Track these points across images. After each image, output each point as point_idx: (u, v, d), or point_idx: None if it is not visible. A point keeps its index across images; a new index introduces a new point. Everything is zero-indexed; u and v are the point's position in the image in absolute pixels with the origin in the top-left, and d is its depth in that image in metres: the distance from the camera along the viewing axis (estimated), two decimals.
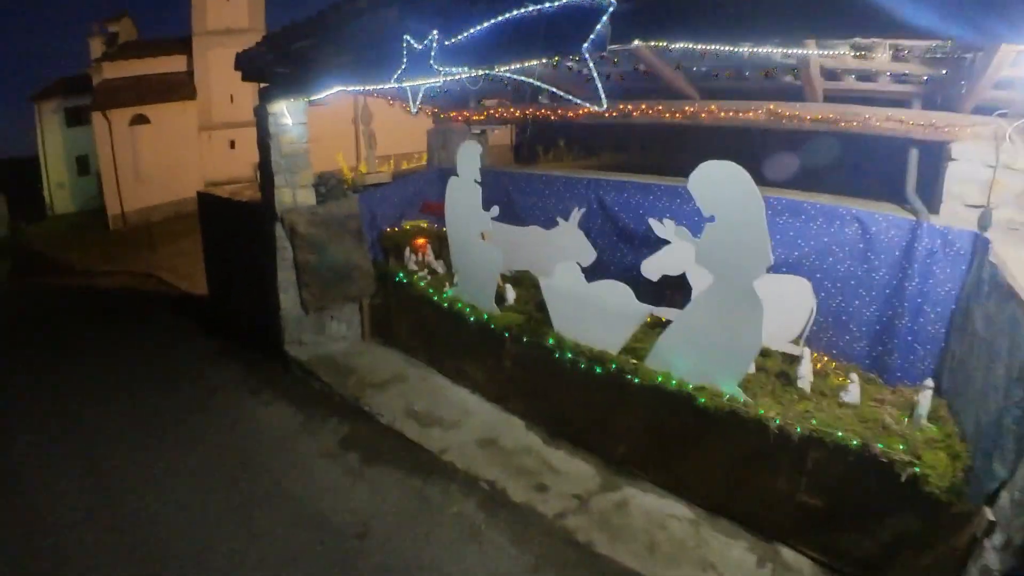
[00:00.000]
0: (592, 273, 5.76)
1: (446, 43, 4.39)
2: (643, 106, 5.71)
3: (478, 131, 7.68)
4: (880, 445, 3.86)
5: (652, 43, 3.48)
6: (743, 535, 4.48)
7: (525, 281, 6.87)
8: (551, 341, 5.52)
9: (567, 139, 8.17)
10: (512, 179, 7.22)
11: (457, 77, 4.57)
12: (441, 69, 4.48)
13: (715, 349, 4.58)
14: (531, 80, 4.03)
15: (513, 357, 5.92)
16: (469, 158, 6.16)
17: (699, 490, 4.74)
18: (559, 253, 6.44)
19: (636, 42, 3.59)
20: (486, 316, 6.15)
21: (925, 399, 4.08)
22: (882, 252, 4.65)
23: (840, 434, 4.00)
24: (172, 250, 16.76)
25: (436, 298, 6.71)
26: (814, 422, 4.14)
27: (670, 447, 4.87)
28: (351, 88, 5.79)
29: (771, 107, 4.88)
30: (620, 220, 6.28)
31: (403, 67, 4.81)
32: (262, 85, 6.81)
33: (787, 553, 4.33)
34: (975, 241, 4.23)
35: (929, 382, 4.09)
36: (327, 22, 5.26)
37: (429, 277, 7.19)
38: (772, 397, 4.53)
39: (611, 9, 3.45)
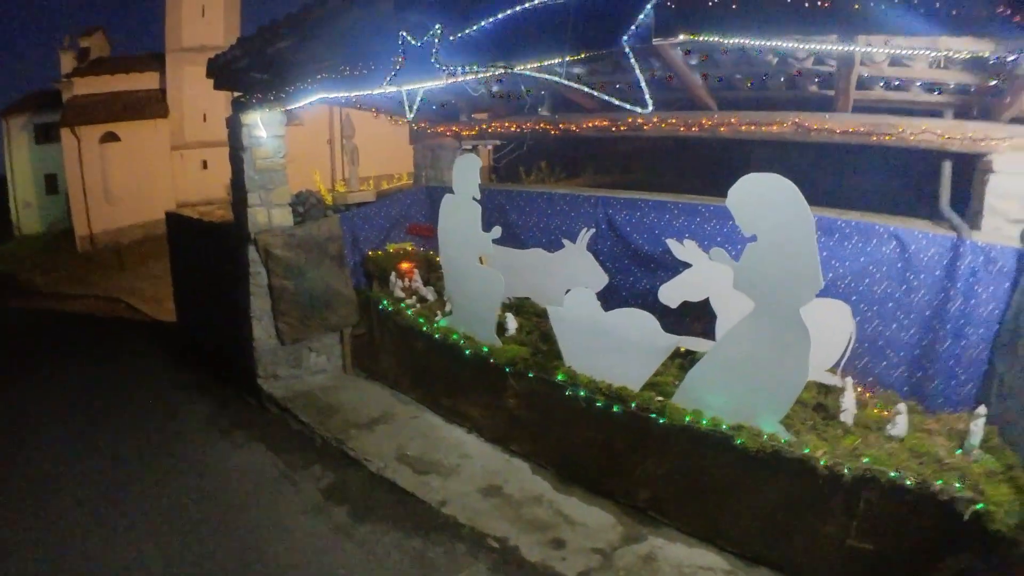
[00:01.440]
0: (602, 300, 5.52)
1: (451, 38, 4.19)
2: (655, 119, 5.60)
3: (469, 147, 7.49)
4: (939, 482, 3.70)
5: (702, 38, 3.31)
6: None
7: (527, 309, 6.65)
8: (562, 377, 5.26)
9: (550, 158, 8.02)
10: (509, 197, 7.02)
11: (465, 78, 4.37)
12: (445, 68, 4.27)
13: (755, 384, 4.39)
14: (560, 79, 3.82)
15: (517, 394, 5.64)
16: (467, 173, 5.92)
17: (734, 537, 4.50)
18: (566, 278, 6.25)
19: (681, 36, 3.42)
20: (485, 348, 5.87)
21: (978, 427, 3.98)
22: (921, 272, 4.59)
23: (895, 473, 3.82)
24: (141, 273, 16.53)
25: (427, 328, 6.42)
26: (866, 460, 3.97)
27: (701, 491, 4.64)
28: (336, 95, 5.54)
29: (797, 119, 4.82)
30: (632, 241, 6.12)
31: (399, 67, 4.59)
32: (236, 94, 6.52)
33: None
34: (1020, 258, 4.19)
35: (982, 409, 3.98)
36: (310, 19, 5.01)
37: (418, 305, 6.91)
38: (814, 433, 4.35)
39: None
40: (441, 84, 4.51)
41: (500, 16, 3.90)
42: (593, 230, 6.25)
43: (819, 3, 3.07)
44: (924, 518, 3.75)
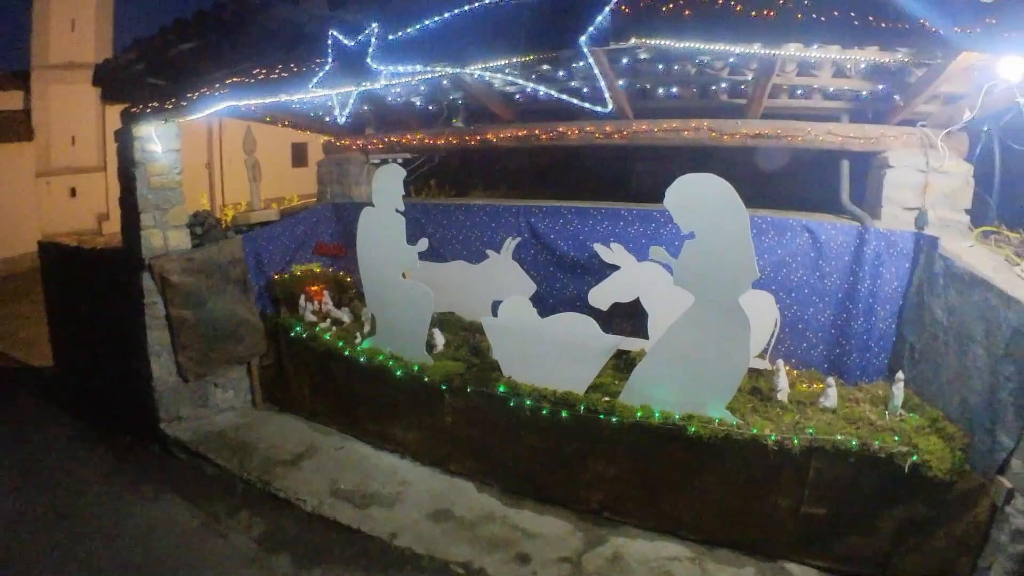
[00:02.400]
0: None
1: (390, 37, 3.89)
2: (575, 128, 5.61)
3: (377, 161, 7.06)
4: (877, 442, 4.02)
5: (654, 41, 3.34)
6: (748, 561, 4.40)
7: (452, 324, 6.37)
8: (503, 388, 5.06)
9: (467, 172, 7.76)
10: (425, 211, 6.71)
11: (404, 82, 4.08)
12: (383, 69, 3.96)
13: (701, 373, 4.49)
14: (517, 80, 3.67)
15: (455, 411, 5.35)
16: (389, 184, 5.55)
17: (692, 525, 4.57)
18: (493, 289, 6.08)
19: (633, 40, 3.44)
20: (416, 367, 5.51)
21: (899, 391, 4.36)
22: (832, 259, 4.96)
23: (839, 438, 4.10)
24: (7, 314, 13.66)
25: (349, 352, 5.93)
26: (811, 431, 4.21)
27: (654, 486, 4.66)
28: (248, 102, 4.96)
29: (711, 124, 5.06)
30: (557, 248, 6.06)
31: (328, 69, 4.19)
32: (127, 105, 5.64)
33: (795, 569, 4.33)
34: (916, 241, 4.66)
35: (901, 375, 4.36)
36: (223, 17, 4.44)
37: (334, 328, 6.37)
38: (757, 415, 4.52)
39: (612, 2, 3.28)
40: (379, 86, 4.17)
41: (447, 15, 3.69)
42: (519, 239, 6.13)
43: (765, 12, 3.21)
44: (868, 476, 4.05)
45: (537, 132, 5.76)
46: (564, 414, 4.80)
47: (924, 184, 4.56)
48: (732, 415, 4.46)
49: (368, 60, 4.00)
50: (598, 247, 5.58)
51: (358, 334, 6.18)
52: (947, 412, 4.14)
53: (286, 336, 6.44)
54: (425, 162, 6.62)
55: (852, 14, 3.05)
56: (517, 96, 5.46)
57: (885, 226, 4.75)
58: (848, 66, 4.27)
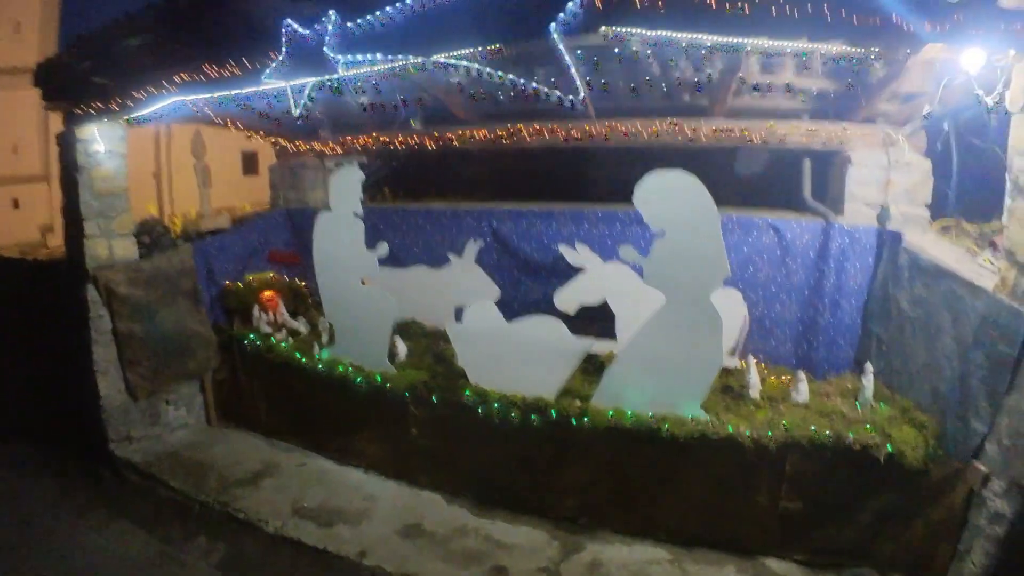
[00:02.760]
0: None
1: (350, 26, 3.68)
2: (536, 127, 5.46)
3: (332, 165, 6.74)
4: (851, 434, 4.02)
5: (625, 30, 3.24)
6: (728, 560, 4.33)
7: (413, 331, 6.13)
8: (470, 396, 4.86)
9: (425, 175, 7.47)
10: (383, 215, 6.44)
11: (362, 72, 3.87)
12: (341, 59, 3.74)
13: (674, 373, 4.40)
14: (484, 70, 3.52)
15: (421, 422, 5.13)
16: (346, 187, 5.29)
17: (670, 526, 4.48)
18: (455, 294, 5.87)
19: (603, 30, 3.34)
20: (379, 377, 5.26)
21: (869, 383, 4.39)
22: (798, 256, 4.96)
23: (814, 432, 4.08)
24: None
25: (308, 363, 5.63)
26: (786, 426, 4.17)
27: (629, 489, 4.55)
28: (197, 98, 4.65)
29: (676, 122, 4.99)
30: (521, 251, 5.91)
31: (281, 60, 3.94)
32: (70, 106, 5.21)
33: (774, 564, 4.29)
34: (879, 236, 4.70)
35: (869, 367, 4.38)
36: (176, 10, 4.13)
37: (290, 339, 6.06)
38: (730, 413, 4.46)
39: None
40: (336, 77, 3.95)
41: (410, 2, 3.50)
42: (481, 242, 5.94)
43: (738, 4, 3.14)
44: (844, 468, 4.03)
45: (498, 133, 5.59)
46: (535, 420, 4.64)
47: (886, 180, 4.62)
48: (705, 414, 4.37)
49: (325, 50, 3.78)
50: (563, 249, 5.45)
51: (316, 344, 5.88)
52: (918, 401, 4.17)
53: (240, 349, 6.09)
54: (383, 166, 6.36)
55: (825, 7, 3.00)
56: (478, 96, 5.27)
57: (849, 222, 4.78)
58: (811, 64, 4.26)
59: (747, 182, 5.37)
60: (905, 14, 2.95)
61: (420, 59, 3.66)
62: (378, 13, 3.64)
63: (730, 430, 4.20)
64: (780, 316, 5.08)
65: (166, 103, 4.85)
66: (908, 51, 3.64)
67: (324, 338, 5.95)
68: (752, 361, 4.68)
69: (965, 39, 3.17)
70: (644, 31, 3.39)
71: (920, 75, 4.01)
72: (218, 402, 6.30)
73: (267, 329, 6.16)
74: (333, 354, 5.66)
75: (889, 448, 3.89)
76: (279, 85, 4.13)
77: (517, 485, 4.86)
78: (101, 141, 5.40)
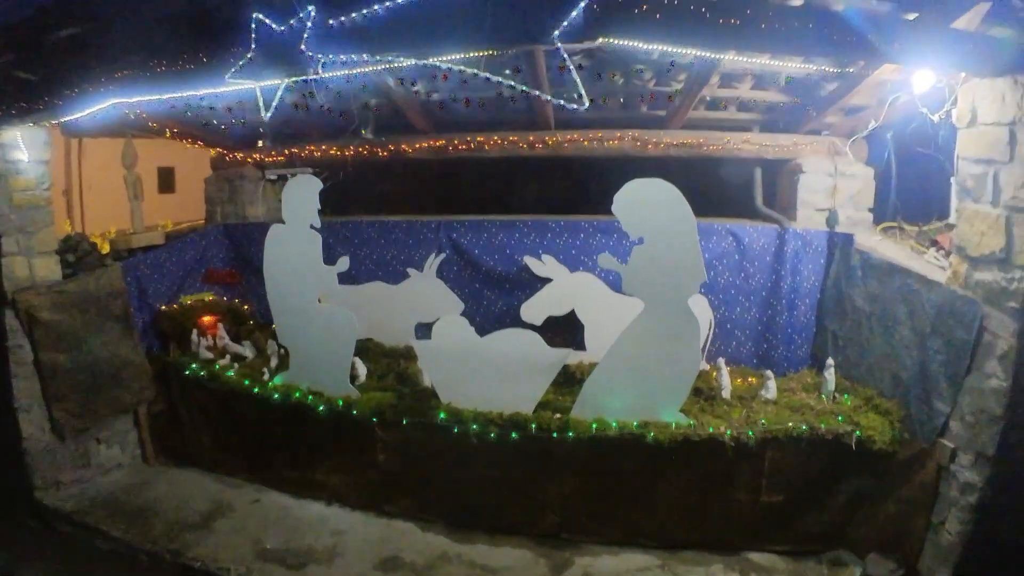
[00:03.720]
0: None
1: (331, 23, 3.40)
2: (496, 138, 5.33)
3: (274, 176, 6.23)
4: (823, 424, 4.15)
5: (622, 41, 3.19)
6: (713, 558, 4.32)
7: (372, 352, 5.72)
8: (444, 416, 4.59)
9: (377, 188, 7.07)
10: (332, 230, 5.99)
11: (344, 73, 3.59)
12: (320, 58, 3.44)
13: (654, 379, 4.37)
14: (479, 73, 3.33)
15: (388, 447, 4.78)
16: (301, 197, 4.89)
17: (653, 532, 4.42)
18: (416, 310, 5.60)
19: (600, 39, 3.27)
20: (340, 402, 4.85)
21: (831, 376, 4.56)
22: (755, 260, 5.10)
23: (791, 426, 4.17)
24: None
25: (258, 391, 5.11)
26: (763, 422, 4.24)
27: (611, 498, 4.45)
28: (140, 99, 4.14)
29: (635, 134, 5.03)
30: (483, 263, 5.69)
31: (250, 58, 3.57)
32: None
33: (757, 557, 4.34)
34: (830, 238, 4.93)
35: (830, 361, 4.56)
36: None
37: (236, 365, 5.51)
38: (707, 414, 4.48)
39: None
40: (315, 77, 3.63)
41: (400, 1, 3.28)
42: (443, 255, 5.68)
43: (732, 20, 3.17)
44: (818, 458, 4.15)
45: (456, 143, 5.42)
46: (514, 436, 4.42)
47: (833, 187, 4.87)
48: (685, 417, 4.35)
49: (302, 47, 3.46)
50: (529, 260, 5.34)
51: (265, 370, 5.38)
52: (879, 390, 4.36)
53: (179, 377, 5.47)
54: (329, 177, 5.95)
55: (810, 26, 3.09)
56: (438, 104, 5.08)
57: (801, 226, 4.99)
58: (768, 79, 4.44)
59: (702, 191, 5.48)
60: (866, 34, 3.08)
61: (414, 61, 3.41)
62: (364, 11, 3.38)
63: (711, 431, 4.20)
64: (740, 318, 5.20)
65: (103, 105, 4.28)
66: (866, 70, 3.86)
67: (273, 363, 5.46)
68: (723, 363, 4.74)
69: (920, 60, 3.39)
70: (640, 43, 3.36)
71: (867, 91, 4.26)
72: (154, 438, 5.61)
73: (207, 355, 5.57)
74: (287, 380, 5.18)
75: (858, 434, 4.05)
76: (247, 85, 3.73)
77: (495, 505, 4.63)
78: (24, 147, 4.71)
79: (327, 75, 3.56)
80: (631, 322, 4.36)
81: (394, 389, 5.08)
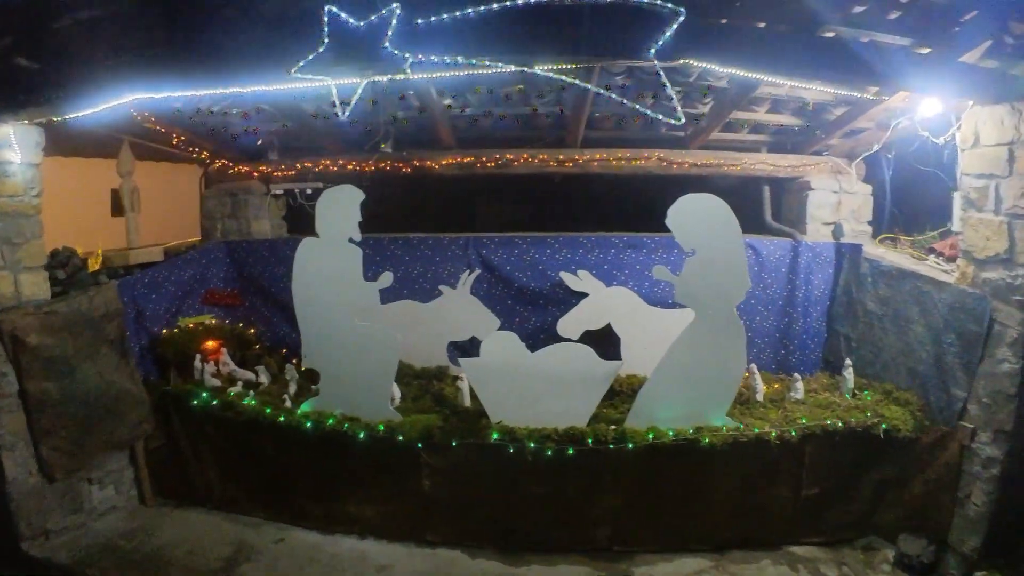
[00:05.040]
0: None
1: (419, 21, 3.33)
2: (525, 155, 5.37)
3: (280, 192, 5.84)
4: (852, 419, 4.42)
5: (699, 64, 3.42)
6: (760, 556, 4.43)
7: (403, 373, 5.36)
8: (496, 436, 4.41)
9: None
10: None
11: (432, 76, 3.52)
12: (407, 57, 3.36)
13: (704, 385, 4.48)
14: (582, 84, 3.38)
15: (435, 472, 4.52)
16: (340, 208, 4.60)
17: (700, 535, 4.48)
18: (448, 328, 5.42)
19: (682, 60, 3.46)
20: (381, 427, 4.53)
21: (849, 375, 4.87)
22: (772, 271, 5.40)
23: (828, 422, 4.41)
24: None
25: (283, 419, 4.66)
26: (803, 420, 4.45)
27: (661, 506, 4.47)
28: (170, 94, 3.81)
29: (659, 154, 5.28)
30: (515, 280, 5.60)
31: (321, 52, 3.37)
32: None
33: (798, 550, 4.49)
34: (838, 249, 5.33)
35: (848, 361, 4.89)
36: None
37: (251, 392, 5.02)
38: (748, 416, 4.65)
39: (681, 19, 3.26)
40: (401, 77, 3.53)
41: (495, 6, 3.29)
42: (478, 272, 5.51)
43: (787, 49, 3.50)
44: (851, 450, 4.39)
45: (483, 159, 5.38)
46: (570, 451, 4.32)
47: (837, 203, 5.35)
48: (732, 420, 4.49)
49: (386, 45, 3.36)
50: (565, 275, 5.32)
51: (285, 397, 4.95)
52: (896, 384, 4.70)
53: (182, 408, 4.89)
54: None
55: (840, 56, 3.45)
56: (472, 118, 5.08)
57: (811, 239, 5.38)
58: (784, 103, 4.86)
59: None
60: (886, 64, 3.49)
61: (513, 68, 3.41)
62: (457, 13, 3.35)
63: (756, 431, 4.35)
64: (760, 326, 5.48)
65: (120, 100, 3.85)
66: (880, 95, 4.33)
67: (292, 389, 5.04)
68: (755, 368, 4.97)
69: (931, 88, 3.87)
70: (716, 66, 3.59)
71: (869, 115, 4.77)
72: (152, 476, 4.96)
73: (214, 382, 5.06)
74: (317, 406, 4.77)
75: (884, 426, 4.34)
76: (315, 82, 3.54)
77: (545, 524, 4.49)
78: (16, 147, 4.12)
79: (416, 76, 3.49)
80: (683, 332, 4.48)
81: (433, 411, 4.82)
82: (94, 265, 4.92)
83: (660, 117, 3.86)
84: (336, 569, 4.35)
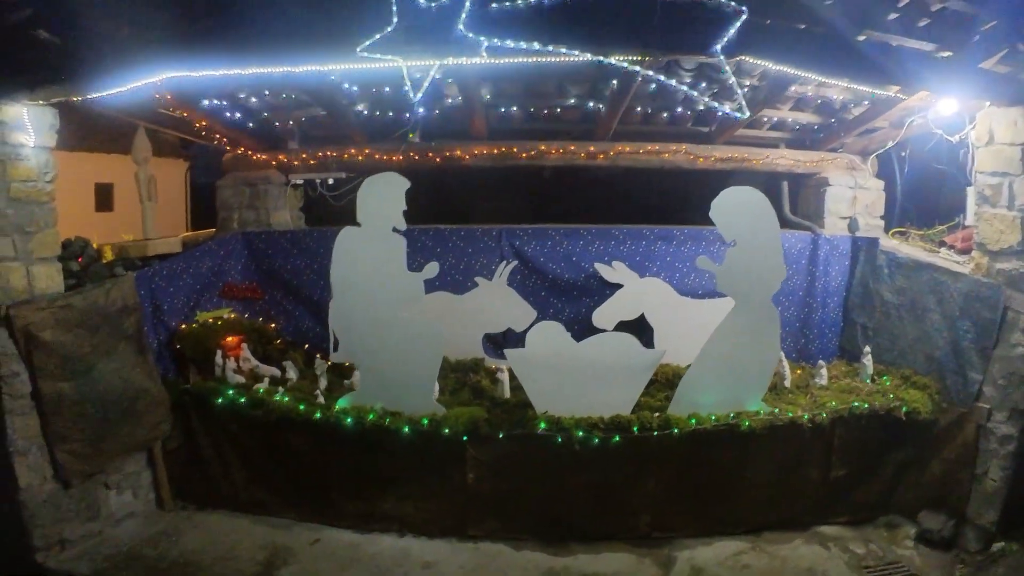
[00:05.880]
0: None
1: (492, 6, 3.24)
2: (555, 148, 5.26)
3: (300, 181, 5.44)
4: (877, 402, 4.58)
5: (755, 61, 3.50)
6: (792, 536, 4.52)
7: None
8: (544, 426, 4.32)
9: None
10: None
11: (503, 62, 3.42)
12: (482, 40, 3.26)
13: (743, 372, 4.54)
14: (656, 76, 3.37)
15: (480, 465, 4.39)
16: (384, 196, 4.37)
17: (735, 518, 4.54)
18: (484, 320, 5.28)
19: (740, 57, 3.53)
20: (426, 421, 4.35)
21: (868, 362, 5.02)
22: (793, 263, 5.45)
23: (855, 405, 4.55)
24: None
25: (320, 416, 4.41)
26: (833, 404, 4.58)
27: (699, 492, 4.51)
28: (211, 72, 3.54)
29: (686, 148, 5.33)
30: (549, 271, 5.47)
31: (391, 31, 3.22)
32: None
33: (826, 529, 4.62)
34: (854, 242, 5.48)
35: (867, 349, 5.05)
36: None
37: (281, 389, 4.72)
38: (780, 401, 4.74)
39: (744, 16, 3.31)
40: (478, 61, 3.41)
41: None
42: (514, 263, 5.35)
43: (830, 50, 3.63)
44: (875, 432, 4.55)
45: (515, 150, 5.26)
46: (616, 440, 4.28)
47: (853, 198, 5.55)
48: (766, 405, 4.56)
49: (460, 26, 3.25)
50: (600, 267, 5.28)
51: (318, 392, 4.68)
52: (914, 369, 4.87)
53: (206, 407, 4.55)
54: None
55: (869, 56, 3.62)
56: (501, 110, 4.99)
57: (828, 232, 5.53)
58: (807, 101, 5.03)
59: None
60: (911, 66, 3.70)
61: (590, 56, 3.35)
62: (532, 0, 3.29)
63: (790, 415, 4.43)
64: (782, 316, 5.50)
65: (152, 78, 3.55)
66: (902, 93, 4.53)
67: (322, 384, 4.77)
68: (783, 355, 5.05)
69: (950, 89, 4.09)
70: (770, 64, 3.67)
71: (892, 114, 4.95)
72: (172, 478, 4.60)
73: (237, 379, 4.75)
74: (355, 401, 4.52)
75: (904, 408, 4.50)
76: (387, 63, 3.37)
77: (587, 513, 4.44)
78: (31, 129, 3.71)
79: (490, 60, 3.38)
80: (723, 320, 4.53)
81: (474, 404, 4.66)
82: (106, 256, 4.52)
83: (727, 111, 3.89)
84: (380, 568, 4.15)
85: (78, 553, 3.99)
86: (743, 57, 3.54)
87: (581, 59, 3.50)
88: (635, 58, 3.45)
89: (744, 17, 3.26)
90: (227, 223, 5.62)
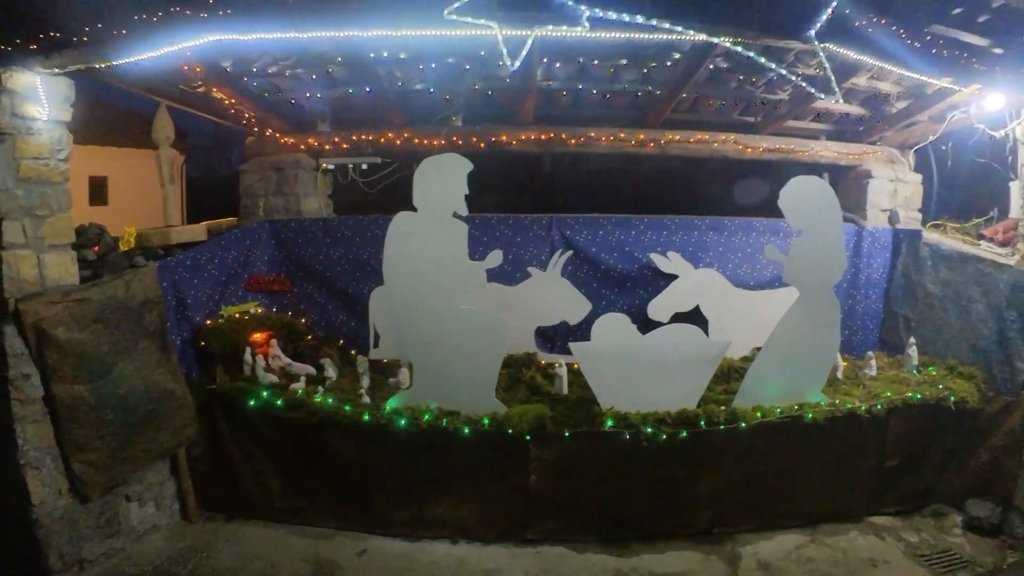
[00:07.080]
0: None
1: None
2: (605, 136, 4.84)
3: (331, 167, 4.87)
4: (928, 392, 4.42)
5: (837, 49, 3.31)
6: (847, 527, 4.35)
7: None
8: (611, 422, 3.96)
9: None
10: None
11: (604, 36, 3.06)
12: (584, 10, 2.90)
13: (806, 363, 4.30)
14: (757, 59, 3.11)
15: (543, 465, 3.99)
16: (444, 180, 3.86)
17: (793, 512, 4.31)
18: (538, 312, 4.88)
19: (823, 45, 3.32)
20: (486, 420, 3.90)
21: (914, 353, 4.86)
22: None
23: (908, 395, 4.39)
24: None
25: (368, 417, 3.90)
26: (889, 394, 4.40)
27: (758, 486, 4.24)
28: (255, 36, 3.03)
29: (734, 137, 5.05)
30: (601, 262, 5.08)
31: None
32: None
33: (877, 520, 4.45)
34: (896, 235, 5.30)
35: (912, 340, 4.87)
36: None
37: (320, 389, 4.17)
38: (837, 393, 4.51)
39: (835, 3, 3.10)
40: (578, 33, 3.03)
41: None
42: (569, 253, 4.93)
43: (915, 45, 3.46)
44: (926, 421, 4.40)
45: (563, 136, 4.84)
46: (683, 435, 3.97)
47: (894, 190, 5.42)
48: (826, 396, 4.34)
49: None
50: (655, 257, 4.94)
51: (363, 392, 4.14)
52: (959, 359, 4.74)
53: (236, 409, 3.95)
54: (398, 168, 4.97)
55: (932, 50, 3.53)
56: (560, 92, 4.59)
57: (870, 225, 5.35)
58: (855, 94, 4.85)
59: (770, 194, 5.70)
60: (965, 59, 3.61)
61: (692, 34, 3.03)
62: None
63: (849, 406, 4.21)
64: None
65: (187, 43, 3.01)
66: (955, 85, 4.39)
67: (365, 382, 4.23)
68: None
69: (1001, 84, 3.97)
70: (851, 54, 3.46)
71: (937, 109, 4.84)
72: (196, 487, 4.02)
73: (271, 378, 4.17)
74: (408, 401, 4.01)
75: (952, 397, 4.35)
76: (479, 28, 2.93)
77: (648, 511, 4.11)
78: (44, 100, 3.07)
79: (589, 34, 3.00)
80: (787, 311, 4.26)
81: (532, 401, 4.25)
82: (123, 245, 3.87)
83: (823, 96, 3.67)
84: None
85: (99, 574, 3.37)
86: (823, 45, 3.29)
87: (683, 36, 3.17)
88: (735, 40, 3.14)
89: (835, 3, 3.06)
90: (251, 211, 4.94)
